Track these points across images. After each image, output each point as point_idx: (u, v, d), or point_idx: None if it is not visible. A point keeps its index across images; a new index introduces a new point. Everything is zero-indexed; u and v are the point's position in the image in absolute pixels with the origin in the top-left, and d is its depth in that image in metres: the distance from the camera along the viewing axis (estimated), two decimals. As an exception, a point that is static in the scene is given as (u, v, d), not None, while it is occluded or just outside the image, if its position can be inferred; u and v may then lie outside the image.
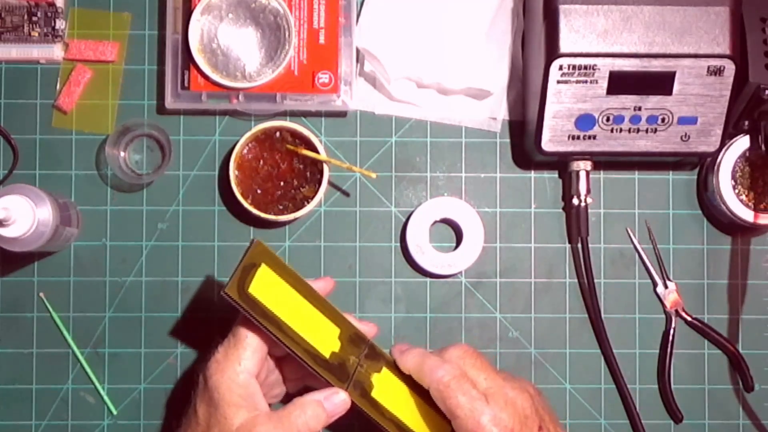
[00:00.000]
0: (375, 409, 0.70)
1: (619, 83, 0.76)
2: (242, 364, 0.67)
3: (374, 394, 0.70)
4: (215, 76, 0.80)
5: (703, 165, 0.84)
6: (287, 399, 0.73)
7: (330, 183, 0.82)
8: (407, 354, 0.71)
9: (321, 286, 0.73)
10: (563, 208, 0.84)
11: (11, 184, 0.77)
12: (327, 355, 0.70)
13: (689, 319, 0.83)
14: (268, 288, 0.69)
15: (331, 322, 0.72)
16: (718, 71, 0.76)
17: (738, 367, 0.83)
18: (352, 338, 0.72)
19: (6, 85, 0.83)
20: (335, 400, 0.68)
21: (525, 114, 0.82)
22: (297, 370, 0.74)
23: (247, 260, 0.68)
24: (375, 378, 0.71)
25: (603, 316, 0.82)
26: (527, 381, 0.71)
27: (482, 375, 0.68)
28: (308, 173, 0.80)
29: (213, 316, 0.82)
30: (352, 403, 0.69)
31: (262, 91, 0.81)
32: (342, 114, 0.84)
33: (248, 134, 0.79)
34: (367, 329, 0.74)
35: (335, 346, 0.70)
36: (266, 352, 0.69)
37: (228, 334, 0.69)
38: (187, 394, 0.71)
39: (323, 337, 0.70)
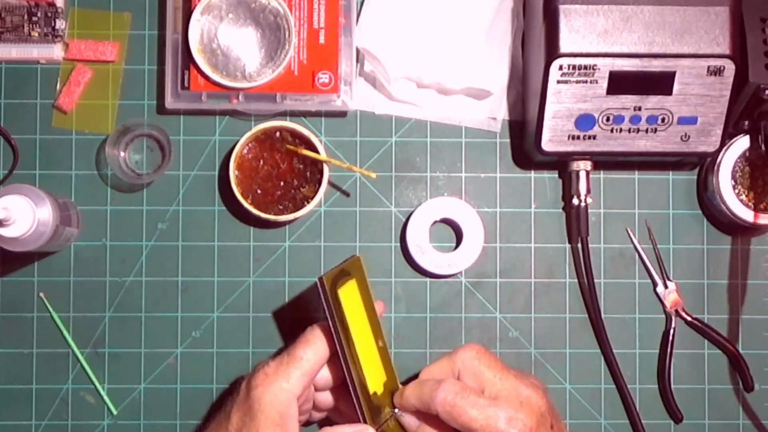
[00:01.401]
0: None
1: (619, 83, 0.76)
2: (290, 383, 0.67)
3: None
4: (215, 76, 0.80)
5: (703, 165, 0.84)
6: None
7: (330, 183, 0.82)
8: (404, 392, 0.70)
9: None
10: (563, 208, 0.84)
11: (11, 184, 0.77)
12: (371, 391, 0.70)
13: (689, 319, 0.83)
14: (350, 301, 0.70)
15: (383, 366, 0.72)
16: (718, 71, 0.76)
17: (738, 367, 0.83)
18: (394, 393, 0.72)
19: (6, 85, 0.83)
20: None
21: (525, 114, 0.82)
22: (331, 400, 0.75)
23: (346, 267, 0.71)
24: None
25: (603, 316, 0.82)
26: (536, 377, 0.71)
27: (498, 375, 0.67)
28: (308, 173, 0.80)
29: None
30: None
31: (262, 91, 0.81)
32: (342, 114, 0.84)
33: (248, 134, 0.79)
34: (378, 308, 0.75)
35: (379, 389, 0.71)
36: (314, 376, 0.70)
37: (282, 352, 0.69)
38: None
39: (374, 375, 0.71)
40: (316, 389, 0.73)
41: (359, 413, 0.69)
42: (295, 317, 0.82)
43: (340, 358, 0.69)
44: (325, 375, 0.72)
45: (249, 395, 0.67)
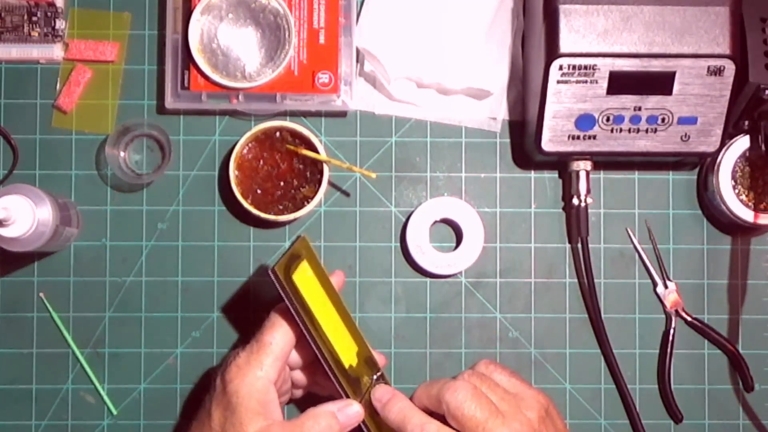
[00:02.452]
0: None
1: (619, 83, 0.76)
2: (263, 370, 0.66)
3: (380, 419, 0.70)
4: (215, 76, 0.80)
5: (703, 165, 0.84)
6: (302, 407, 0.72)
7: (330, 183, 0.82)
8: (390, 405, 0.69)
9: (334, 280, 0.74)
10: (563, 208, 0.84)
11: (11, 184, 0.77)
12: (346, 365, 0.70)
13: (689, 319, 0.83)
14: (306, 283, 0.69)
15: (352, 337, 0.72)
16: (718, 71, 0.76)
17: (738, 367, 0.83)
18: (368, 360, 0.72)
19: (6, 85, 0.83)
20: (349, 412, 0.68)
21: (525, 114, 0.82)
22: (307, 377, 0.74)
23: (295, 250, 0.69)
24: None
25: (603, 316, 0.82)
26: (535, 398, 0.68)
27: (481, 426, 0.64)
28: (308, 173, 0.80)
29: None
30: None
31: (262, 91, 0.81)
32: (342, 114, 0.84)
33: (248, 134, 0.79)
34: (378, 358, 0.74)
35: (353, 360, 0.71)
36: (287, 358, 0.69)
37: (251, 340, 0.69)
38: (198, 397, 0.71)
39: (345, 348, 0.70)
40: (291, 369, 0.73)
41: (339, 390, 0.69)
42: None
43: (310, 342, 0.68)
44: (294, 355, 0.71)
45: (225, 390, 0.66)
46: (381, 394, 0.70)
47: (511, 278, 0.83)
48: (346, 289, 0.82)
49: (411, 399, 0.70)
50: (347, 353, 0.70)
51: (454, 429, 0.66)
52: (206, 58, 0.81)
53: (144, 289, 0.82)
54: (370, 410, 0.70)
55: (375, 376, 0.72)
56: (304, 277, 0.69)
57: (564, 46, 0.75)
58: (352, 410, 0.68)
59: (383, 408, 0.69)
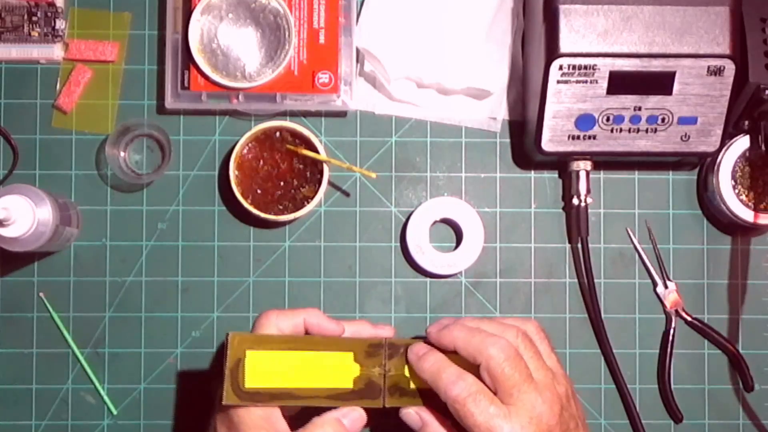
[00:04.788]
0: (422, 397, 0.69)
1: (619, 83, 0.76)
2: None
3: (413, 385, 0.69)
4: (215, 76, 0.80)
5: (703, 165, 0.84)
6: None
7: (330, 183, 0.82)
8: (425, 358, 0.68)
9: (355, 330, 0.73)
10: (563, 208, 0.84)
11: (11, 184, 0.77)
12: (351, 385, 0.68)
13: (689, 319, 0.83)
14: (263, 369, 0.67)
15: (340, 352, 0.69)
16: (718, 71, 0.76)
17: (738, 367, 0.83)
18: (368, 352, 0.70)
19: (6, 85, 0.83)
20: (353, 416, 0.68)
21: (525, 114, 0.82)
22: None
23: (231, 360, 0.66)
24: (407, 371, 0.70)
25: (603, 316, 0.82)
26: (564, 378, 0.68)
27: (517, 387, 0.64)
28: (308, 173, 0.80)
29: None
30: (389, 408, 0.68)
31: (262, 91, 0.81)
32: (342, 114, 0.84)
33: (248, 134, 0.79)
34: (384, 332, 0.73)
35: (354, 371, 0.69)
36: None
37: None
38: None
39: (339, 372, 0.69)
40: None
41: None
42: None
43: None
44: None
45: (228, 409, 0.66)
46: (418, 348, 0.69)
47: (511, 278, 0.83)
48: (346, 289, 0.82)
49: (444, 332, 0.68)
50: (344, 373, 0.69)
51: (484, 383, 0.65)
52: (206, 58, 0.81)
53: (144, 289, 0.82)
54: (400, 391, 0.69)
55: (385, 357, 0.70)
56: (257, 371, 0.66)
57: (564, 46, 0.75)
58: (356, 414, 0.68)
59: (418, 361, 0.68)
